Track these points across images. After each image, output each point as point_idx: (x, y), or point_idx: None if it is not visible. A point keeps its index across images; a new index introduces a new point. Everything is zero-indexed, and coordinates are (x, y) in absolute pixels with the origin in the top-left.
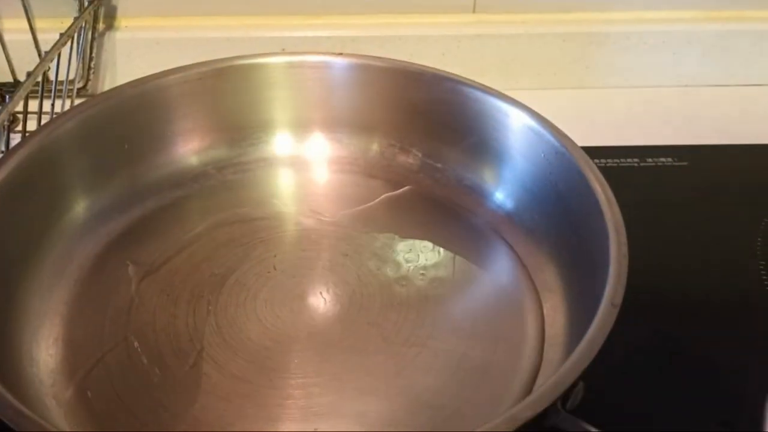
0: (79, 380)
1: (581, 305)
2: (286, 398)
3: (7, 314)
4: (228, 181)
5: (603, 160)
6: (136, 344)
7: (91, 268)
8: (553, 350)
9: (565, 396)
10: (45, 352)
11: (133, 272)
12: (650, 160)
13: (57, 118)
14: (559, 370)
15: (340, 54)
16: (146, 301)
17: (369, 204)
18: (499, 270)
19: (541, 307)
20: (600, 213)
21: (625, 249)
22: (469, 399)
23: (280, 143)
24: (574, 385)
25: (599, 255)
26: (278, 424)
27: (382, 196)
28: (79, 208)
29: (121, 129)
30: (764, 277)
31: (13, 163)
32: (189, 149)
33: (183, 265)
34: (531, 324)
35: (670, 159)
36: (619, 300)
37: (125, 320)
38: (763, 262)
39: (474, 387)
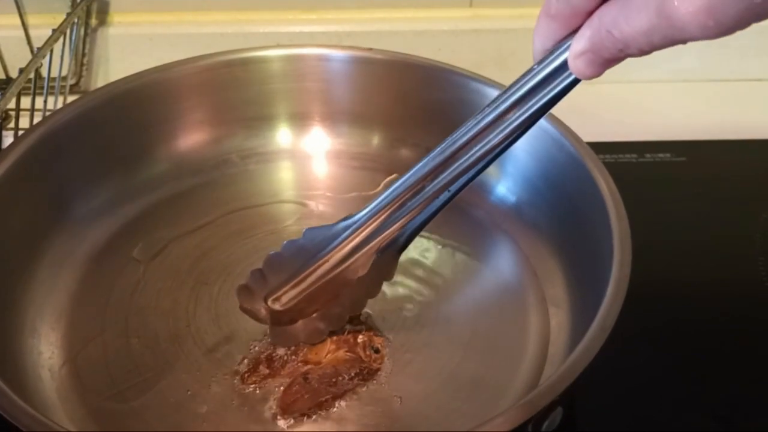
0: (74, 356)
1: (584, 308)
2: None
3: (16, 284)
4: (241, 172)
5: (601, 156)
6: (134, 326)
7: (101, 250)
8: (553, 365)
9: (541, 418)
10: (47, 326)
11: (142, 256)
12: (648, 155)
13: (56, 113)
14: (534, 390)
15: (370, 48)
16: (151, 285)
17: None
18: (502, 264)
19: (546, 315)
20: (605, 209)
21: (628, 253)
22: (457, 410)
23: (281, 136)
24: (550, 408)
25: (601, 250)
26: (274, 424)
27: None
28: (91, 195)
29: (120, 124)
30: (763, 272)
31: (22, 149)
32: (195, 141)
33: (192, 252)
34: (534, 331)
35: (668, 154)
36: (611, 323)
37: (128, 302)
38: (762, 258)
39: (463, 399)
